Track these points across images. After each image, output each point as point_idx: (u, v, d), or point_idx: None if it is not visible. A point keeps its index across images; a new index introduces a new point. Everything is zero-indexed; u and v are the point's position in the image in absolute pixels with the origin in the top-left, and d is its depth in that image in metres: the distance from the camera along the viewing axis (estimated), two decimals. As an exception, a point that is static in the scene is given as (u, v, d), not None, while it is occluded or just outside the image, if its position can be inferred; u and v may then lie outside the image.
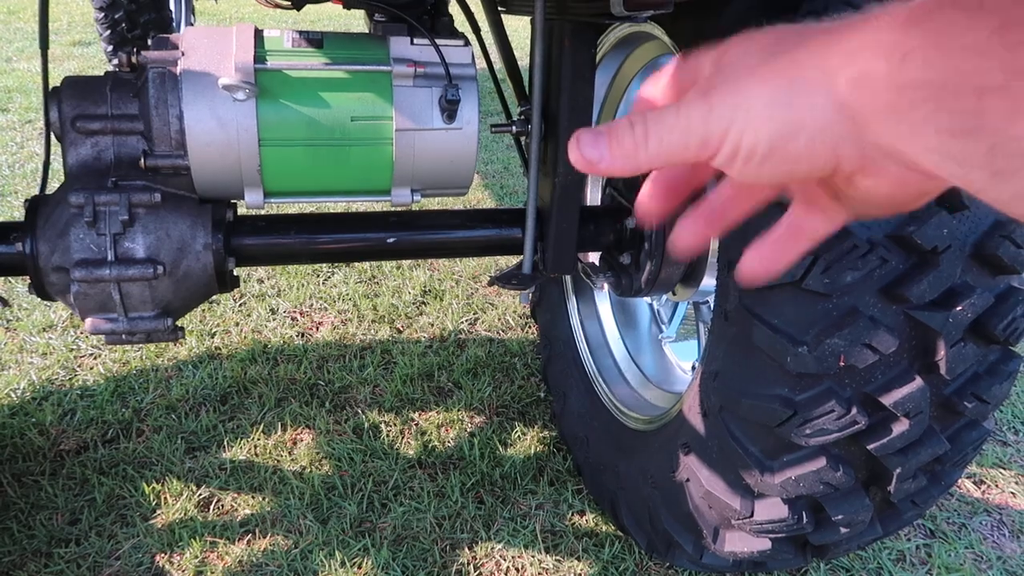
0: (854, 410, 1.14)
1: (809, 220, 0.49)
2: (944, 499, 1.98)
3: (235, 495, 1.82)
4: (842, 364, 1.10)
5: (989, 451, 2.16)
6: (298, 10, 1.53)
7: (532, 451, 2.03)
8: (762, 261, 0.52)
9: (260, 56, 1.33)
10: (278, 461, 1.94)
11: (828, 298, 1.10)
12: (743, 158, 0.41)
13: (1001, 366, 1.19)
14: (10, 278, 2.10)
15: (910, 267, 1.09)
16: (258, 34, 1.37)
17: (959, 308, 1.09)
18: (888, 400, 1.13)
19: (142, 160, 1.30)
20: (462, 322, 2.63)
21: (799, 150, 0.39)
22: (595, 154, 0.46)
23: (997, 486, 2.04)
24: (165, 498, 1.80)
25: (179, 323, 1.41)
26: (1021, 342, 1.18)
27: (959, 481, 2.04)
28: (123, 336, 1.35)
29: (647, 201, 0.55)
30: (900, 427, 1.15)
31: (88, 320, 1.32)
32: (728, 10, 1.21)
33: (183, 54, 1.30)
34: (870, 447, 1.17)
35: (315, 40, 1.39)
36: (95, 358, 2.31)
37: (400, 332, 2.57)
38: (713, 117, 0.41)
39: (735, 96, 0.41)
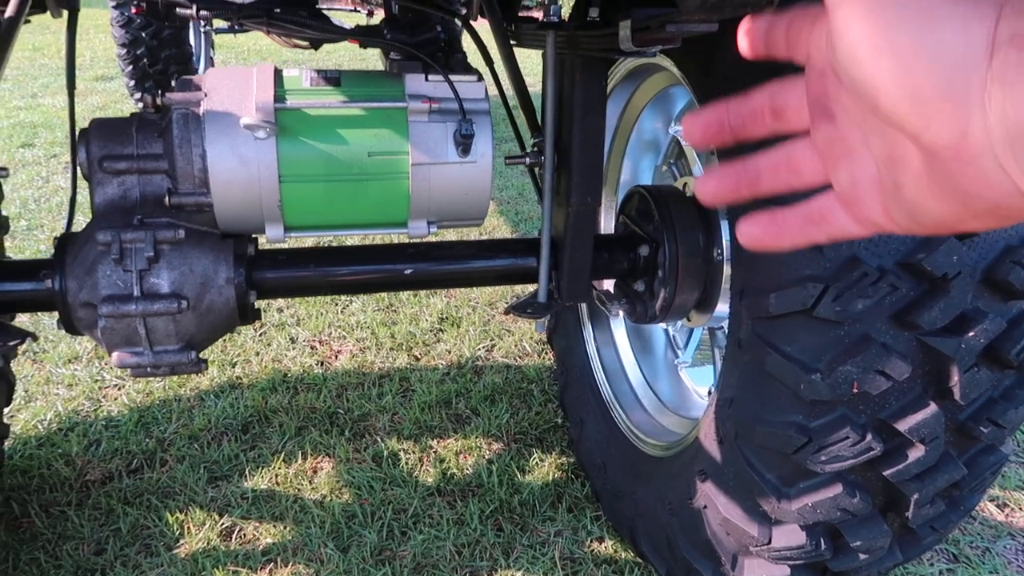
0: (869, 436, 1.14)
1: (840, 215, 0.46)
2: (967, 523, 1.96)
3: (257, 524, 1.84)
4: (855, 391, 1.11)
5: (1012, 474, 2.14)
6: (315, 50, 1.57)
7: (550, 478, 2.04)
8: (769, 229, 0.50)
9: (280, 95, 1.37)
10: (299, 490, 1.96)
11: (840, 325, 1.11)
12: (858, 40, 0.36)
13: (1016, 391, 1.19)
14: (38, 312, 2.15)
15: (921, 294, 1.10)
16: (278, 74, 1.42)
17: (971, 334, 1.10)
18: (903, 426, 1.14)
19: (167, 198, 1.34)
20: (479, 349, 2.65)
21: (921, 65, 0.34)
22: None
23: (1021, 509, 2.02)
24: (188, 528, 1.82)
25: (202, 354, 1.44)
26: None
27: (982, 504, 2.02)
28: (148, 369, 1.38)
29: (700, 122, 0.52)
30: (916, 453, 1.16)
31: (115, 354, 1.36)
32: (734, 44, 1.23)
33: (206, 95, 1.34)
34: (886, 473, 1.17)
35: (333, 79, 1.43)
36: (119, 389, 2.35)
37: (418, 359, 2.59)
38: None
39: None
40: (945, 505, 1.26)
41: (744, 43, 0.51)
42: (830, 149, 0.46)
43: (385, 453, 2.10)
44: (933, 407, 1.14)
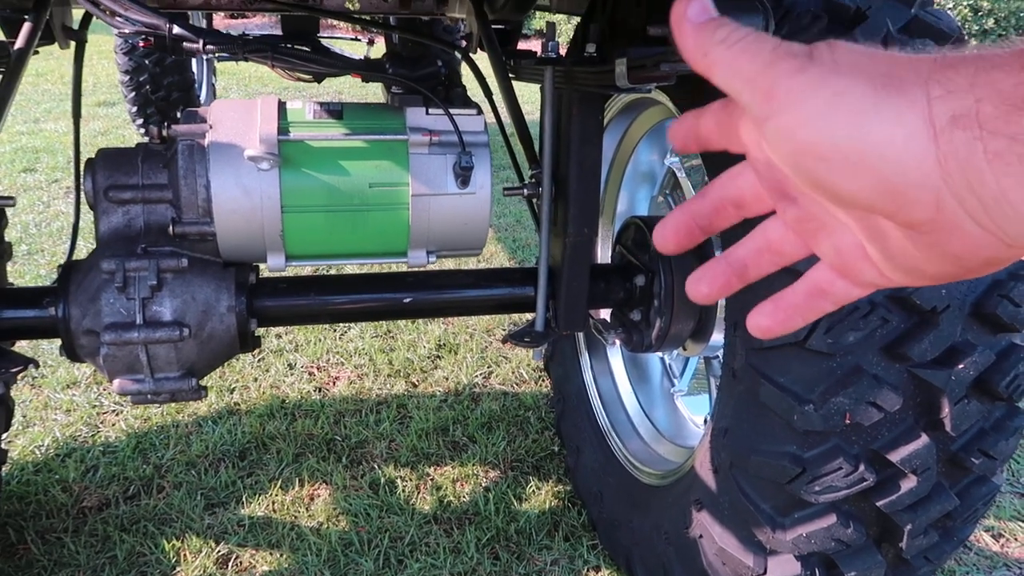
0: (862, 467, 1.16)
1: (839, 282, 0.46)
2: (963, 553, 1.97)
3: (253, 551, 1.84)
4: (848, 422, 1.13)
5: (1007, 504, 2.14)
6: (319, 82, 1.60)
7: (547, 506, 2.04)
8: (776, 316, 0.49)
9: (283, 127, 1.40)
10: (296, 517, 1.96)
11: (832, 357, 1.13)
12: (797, 151, 0.37)
13: (1007, 422, 1.20)
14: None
15: (911, 327, 1.12)
16: (282, 106, 1.45)
17: (961, 366, 1.12)
18: (895, 457, 1.15)
19: (171, 227, 1.36)
20: (476, 376, 2.66)
21: (870, 164, 0.35)
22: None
23: (1016, 539, 2.02)
24: (185, 555, 1.82)
25: (203, 382, 1.46)
26: (1026, 398, 1.20)
27: (977, 535, 2.03)
28: (149, 396, 1.39)
29: (669, 232, 0.52)
30: (908, 484, 1.17)
31: (116, 381, 1.37)
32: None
33: (211, 126, 1.37)
34: (880, 504, 1.19)
35: (335, 111, 1.46)
36: (117, 415, 2.35)
37: (415, 386, 2.60)
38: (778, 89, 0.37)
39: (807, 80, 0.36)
40: (939, 535, 1.27)
41: (675, 144, 0.51)
42: (803, 227, 0.46)
43: (382, 480, 2.10)
44: (925, 438, 1.15)
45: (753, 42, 0.39)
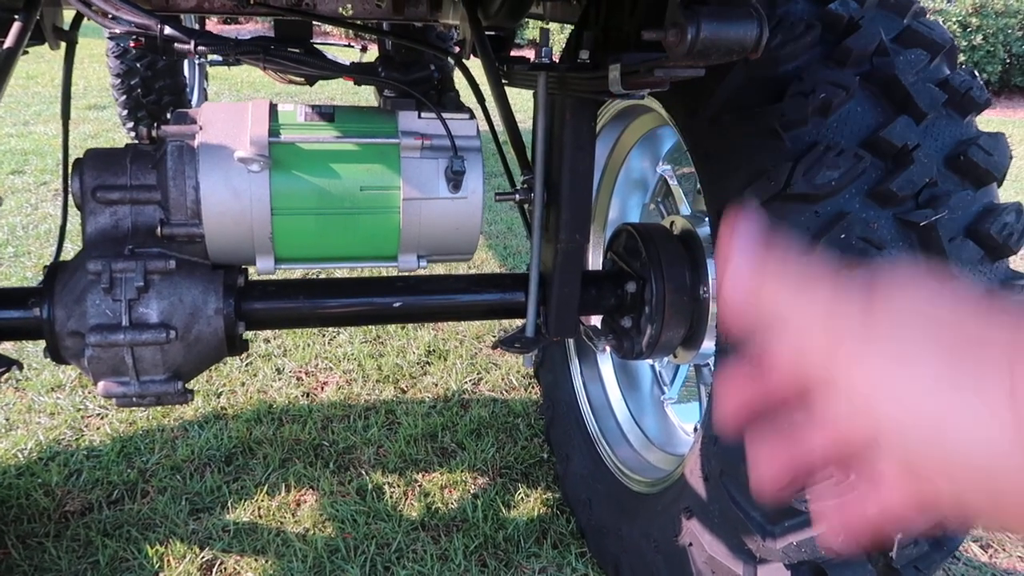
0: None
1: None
2: (951, 564, 1.97)
3: (238, 557, 1.82)
4: (839, 430, 1.12)
5: (995, 514, 2.15)
6: (311, 86, 1.60)
7: (535, 513, 2.03)
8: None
9: (274, 130, 1.39)
10: (281, 523, 1.94)
11: (823, 365, 1.12)
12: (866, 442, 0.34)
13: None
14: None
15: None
16: (273, 108, 1.44)
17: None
18: (885, 465, 1.15)
19: (159, 228, 1.35)
20: (466, 382, 2.65)
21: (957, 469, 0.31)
22: None
23: (1004, 550, 2.02)
24: (168, 561, 1.80)
25: (189, 385, 1.44)
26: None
27: (966, 545, 2.03)
28: (134, 399, 1.38)
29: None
30: (898, 492, 1.16)
31: (101, 384, 1.35)
32: (720, 89, 1.27)
33: (201, 128, 1.36)
34: (869, 512, 1.18)
35: (327, 114, 1.45)
36: (102, 418, 2.33)
37: (404, 392, 2.58)
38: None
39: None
40: (928, 545, 1.27)
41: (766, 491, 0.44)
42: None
43: (369, 486, 2.08)
44: (915, 447, 1.15)
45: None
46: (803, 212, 1.14)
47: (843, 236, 1.10)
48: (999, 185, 1.22)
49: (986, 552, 2.01)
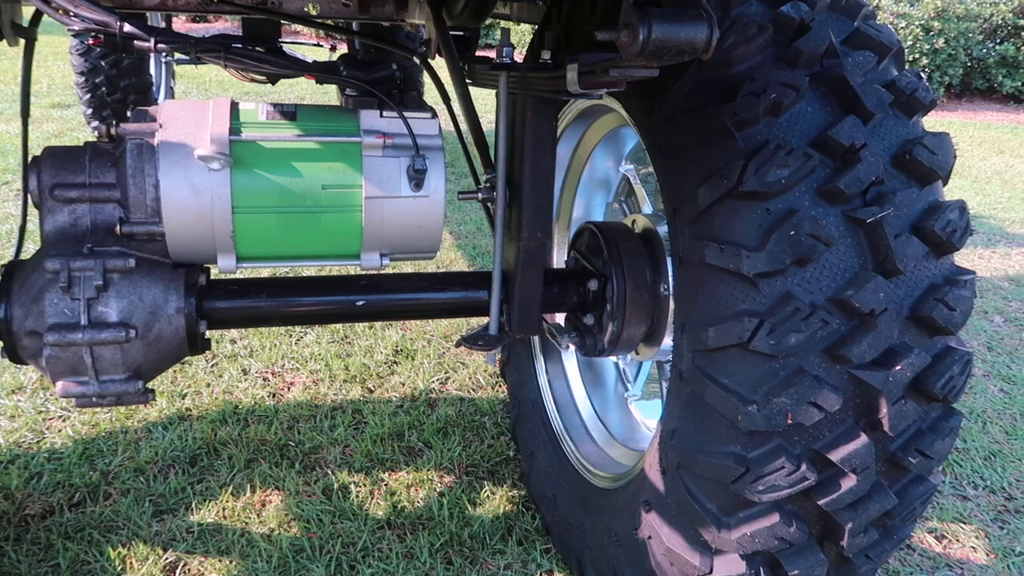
0: (804, 466, 1.18)
1: None
2: (906, 554, 2.01)
3: (202, 559, 1.81)
4: (790, 422, 1.15)
5: (949, 506, 2.20)
6: (272, 84, 1.59)
7: (501, 510, 2.05)
8: None
9: (235, 128, 1.39)
10: (246, 523, 1.93)
11: (775, 359, 1.15)
12: None
13: (943, 423, 1.24)
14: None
15: (851, 329, 1.15)
16: (234, 106, 1.44)
17: (898, 367, 1.15)
18: (836, 456, 1.18)
19: (118, 227, 1.34)
20: (433, 381, 2.66)
21: None
22: None
23: (958, 540, 2.08)
24: (131, 563, 1.78)
25: (150, 385, 1.43)
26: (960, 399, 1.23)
27: (920, 536, 2.08)
28: (94, 399, 1.36)
29: None
30: (848, 482, 1.20)
31: (59, 383, 1.34)
32: (675, 89, 1.29)
33: (161, 126, 1.35)
34: (821, 502, 1.21)
35: (289, 112, 1.46)
36: (64, 420, 2.30)
37: (371, 392, 2.58)
38: None
39: None
40: (879, 534, 1.30)
41: None
42: None
43: (335, 486, 2.08)
44: (864, 438, 1.18)
45: None
46: (755, 209, 1.17)
47: (792, 233, 1.13)
48: (944, 183, 1.26)
49: (940, 543, 2.06)
